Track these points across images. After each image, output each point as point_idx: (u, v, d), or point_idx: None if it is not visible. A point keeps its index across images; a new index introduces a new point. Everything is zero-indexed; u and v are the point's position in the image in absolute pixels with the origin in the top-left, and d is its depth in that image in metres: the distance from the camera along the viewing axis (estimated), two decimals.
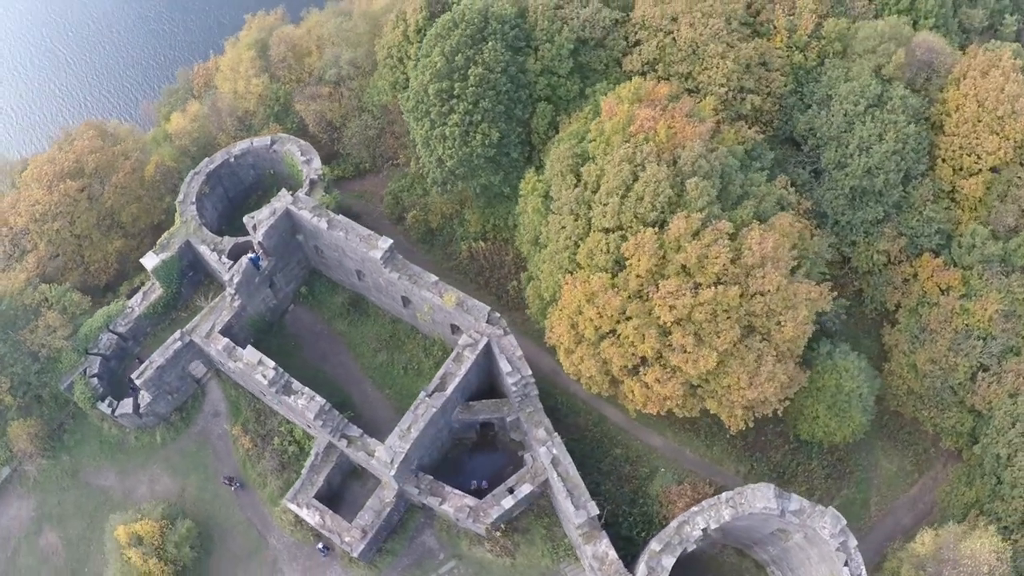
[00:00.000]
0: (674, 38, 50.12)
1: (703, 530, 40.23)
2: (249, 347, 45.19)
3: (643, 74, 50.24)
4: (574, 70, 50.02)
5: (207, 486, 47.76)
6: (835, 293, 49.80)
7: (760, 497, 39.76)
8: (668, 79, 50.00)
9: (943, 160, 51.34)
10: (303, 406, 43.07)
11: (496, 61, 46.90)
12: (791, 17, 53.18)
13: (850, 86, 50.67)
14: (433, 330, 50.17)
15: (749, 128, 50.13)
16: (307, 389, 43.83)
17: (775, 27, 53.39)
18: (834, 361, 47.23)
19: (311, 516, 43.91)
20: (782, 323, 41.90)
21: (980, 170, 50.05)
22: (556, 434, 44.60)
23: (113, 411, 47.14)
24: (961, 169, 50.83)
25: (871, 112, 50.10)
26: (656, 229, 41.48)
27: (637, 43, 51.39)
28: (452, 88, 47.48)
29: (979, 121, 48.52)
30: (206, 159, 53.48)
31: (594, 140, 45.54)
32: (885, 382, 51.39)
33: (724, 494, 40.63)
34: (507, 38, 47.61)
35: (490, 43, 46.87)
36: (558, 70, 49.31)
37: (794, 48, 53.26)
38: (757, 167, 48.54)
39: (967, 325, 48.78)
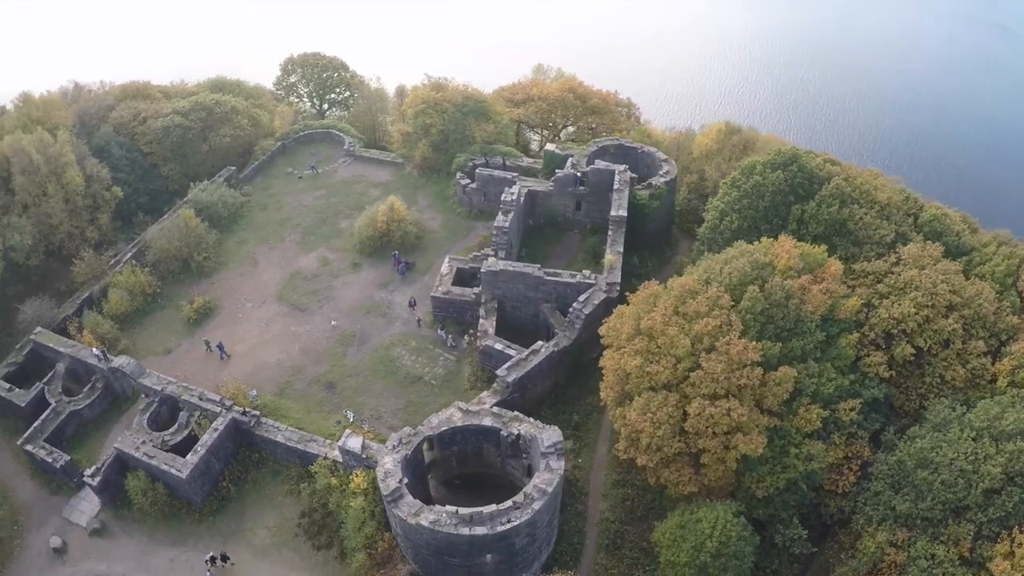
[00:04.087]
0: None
1: (516, 435, 63.18)
2: (517, 185, 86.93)
3: (859, 276, 70.51)
4: (821, 238, 72.70)
5: (444, 240, 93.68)
6: (814, 547, 62.93)
7: (552, 434, 61.40)
8: (870, 285, 68.97)
9: (1010, 536, 55.27)
10: (500, 221, 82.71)
11: (773, 183, 74.35)
12: None
13: (993, 408, 59.90)
14: None
15: (883, 365, 65.15)
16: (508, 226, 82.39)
17: (1012, 353, 64.86)
18: (717, 507, 59.92)
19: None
20: (690, 402, 60.38)
21: None
22: (551, 348, 73.00)
23: (460, 179, 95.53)
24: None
25: (981, 435, 58.90)
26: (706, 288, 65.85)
27: (885, 260, 71.02)
28: (739, 181, 78.13)
29: None
30: (620, 139, 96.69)
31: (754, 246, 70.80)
32: None
33: (539, 423, 63.05)
34: (793, 178, 74.39)
35: (779, 172, 74.89)
36: (809, 227, 73.54)
37: (1008, 378, 63.77)
38: (850, 379, 63.96)
39: None
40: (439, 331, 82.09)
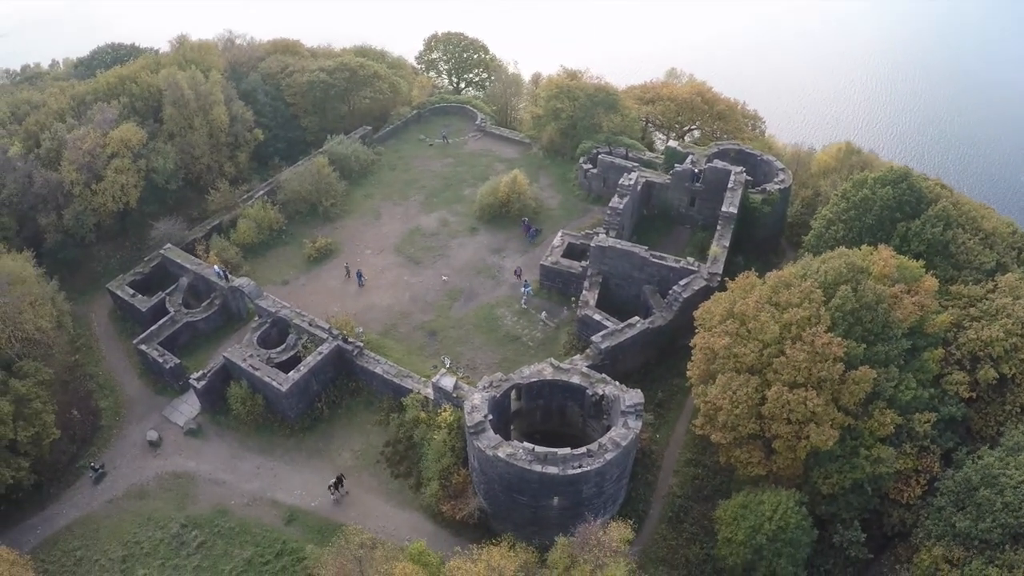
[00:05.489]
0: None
1: (601, 395, 69.72)
2: (635, 172, 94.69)
3: (954, 297, 74.62)
4: (922, 257, 76.52)
5: (560, 217, 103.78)
6: (871, 555, 67.04)
7: (634, 396, 67.97)
8: (962, 307, 72.80)
9: None
10: (615, 203, 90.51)
11: (881, 198, 79.31)
12: None
13: None
14: None
15: (965, 385, 68.88)
16: (621, 208, 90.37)
17: None
18: (781, 493, 65.27)
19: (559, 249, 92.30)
20: (770, 386, 65.91)
21: None
22: (646, 324, 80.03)
23: (582, 163, 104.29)
24: None
25: None
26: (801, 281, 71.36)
27: (982, 286, 74.74)
28: (848, 193, 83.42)
29: None
30: (741, 144, 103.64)
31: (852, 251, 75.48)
32: None
33: (623, 387, 68.97)
34: (902, 195, 79.03)
35: (888, 188, 79.79)
36: (911, 245, 77.74)
37: None
38: (930, 392, 67.27)
39: None
40: (523, 289, 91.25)
